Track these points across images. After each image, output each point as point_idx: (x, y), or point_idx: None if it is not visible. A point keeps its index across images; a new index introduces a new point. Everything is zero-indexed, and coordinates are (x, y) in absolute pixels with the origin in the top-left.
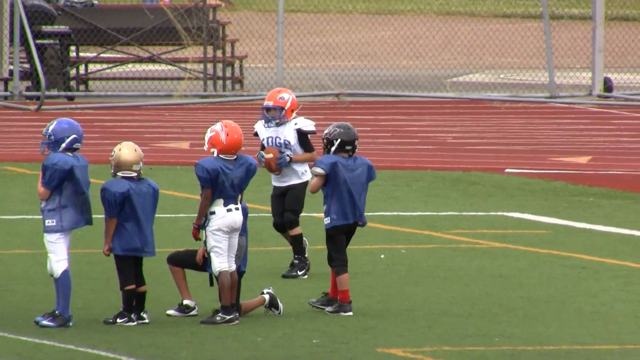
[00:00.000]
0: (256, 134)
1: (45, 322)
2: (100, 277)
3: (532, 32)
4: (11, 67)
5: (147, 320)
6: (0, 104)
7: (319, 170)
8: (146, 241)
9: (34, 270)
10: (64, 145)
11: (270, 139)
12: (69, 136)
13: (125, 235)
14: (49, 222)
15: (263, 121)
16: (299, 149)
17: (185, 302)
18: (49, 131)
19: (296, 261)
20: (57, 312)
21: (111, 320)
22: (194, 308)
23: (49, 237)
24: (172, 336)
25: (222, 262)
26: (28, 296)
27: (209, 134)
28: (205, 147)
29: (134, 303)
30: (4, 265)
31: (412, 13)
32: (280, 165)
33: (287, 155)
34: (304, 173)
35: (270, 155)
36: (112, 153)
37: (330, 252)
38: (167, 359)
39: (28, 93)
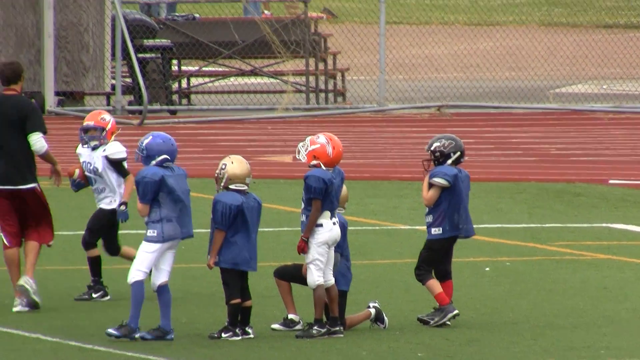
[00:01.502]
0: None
1: (110, 331)
2: (204, 292)
3: (635, 42)
4: (113, 81)
5: (251, 335)
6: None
7: (442, 181)
8: (253, 255)
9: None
10: (154, 162)
11: (85, 164)
12: (161, 155)
13: (234, 249)
14: (151, 233)
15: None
16: (109, 176)
17: (290, 316)
18: (143, 145)
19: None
20: (124, 322)
21: (216, 335)
22: (298, 322)
23: (146, 247)
24: (277, 351)
25: (320, 275)
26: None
27: (311, 147)
28: (303, 159)
29: (238, 317)
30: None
31: (514, 24)
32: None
33: (122, 207)
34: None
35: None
36: (223, 166)
37: (423, 261)
38: None
39: (130, 107)
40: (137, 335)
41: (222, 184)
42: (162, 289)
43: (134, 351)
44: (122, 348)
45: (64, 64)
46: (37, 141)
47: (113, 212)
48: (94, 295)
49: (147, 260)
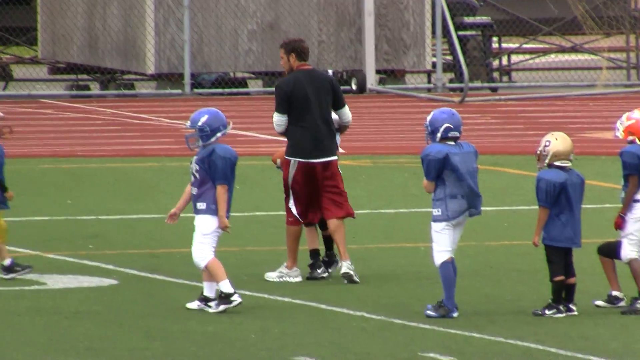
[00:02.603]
0: None
1: (428, 312)
2: (528, 269)
3: None
4: (434, 59)
5: (575, 312)
6: (423, 96)
7: None
8: (576, 232)
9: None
10: (438, 135)
11: None
12: (442, 125)
13: (558, 226)
14: (436, 212)
15: None
16: None
17: (614, 293)
18: (427, 121)
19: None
20: (441, 302)
21: (540, 312)
22: (622, 299)
23: (434, 227)
24: (601, 327)
25: (632, 250)
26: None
27: (627, 122)
28: (620, 135)
29: (562, 294)
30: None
31: None
32: None
33: None
34: None
35: None
36: (547, 143)
37: None
38: (597, 350)
39: (451, 85)
40: (454, 315)
41: (546, 161)
42: (444, 266)
43: (457, 329)
44: (445, 326)
45: (385, 42)
46: (350, 114)
47: None
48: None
49: (442, 239)
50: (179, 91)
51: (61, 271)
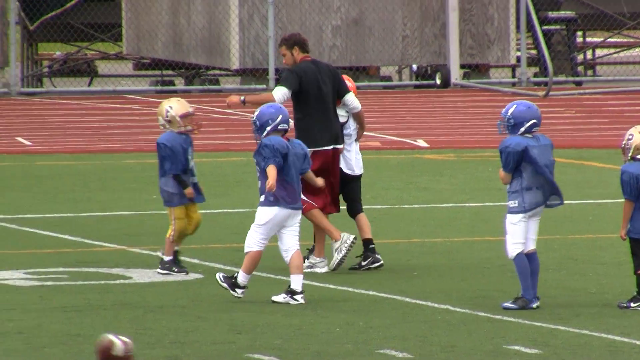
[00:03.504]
0: None
1: (506, 304)
2: (612, 262)
3: None
4: (518, 53)
5: None
6: (507, 90)
7: None
8: None
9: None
10: (522, 129)
11: None
12: (529, 121)
13: None
14: (512, 204)
15: None
16: None
17: None
18: (509, 114)
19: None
20: (520, 294)
21: (625, 305)
22: None
23: (510, 218)
24: None
25: None
26: (500, 281)
27: None
28: None
29: None
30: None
31: None
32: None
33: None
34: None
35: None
36: (630, 137)
37: None
38: None
39: (535, 79)
40: (534, 305)
41: (630, 154)
42: (530, 258)
43: (542, 322)
44: (530, 318)
45: (469, 36)
46: (357, 100)
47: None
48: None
49: (517, 231)
50: (264, 86)
51: (147, 265)
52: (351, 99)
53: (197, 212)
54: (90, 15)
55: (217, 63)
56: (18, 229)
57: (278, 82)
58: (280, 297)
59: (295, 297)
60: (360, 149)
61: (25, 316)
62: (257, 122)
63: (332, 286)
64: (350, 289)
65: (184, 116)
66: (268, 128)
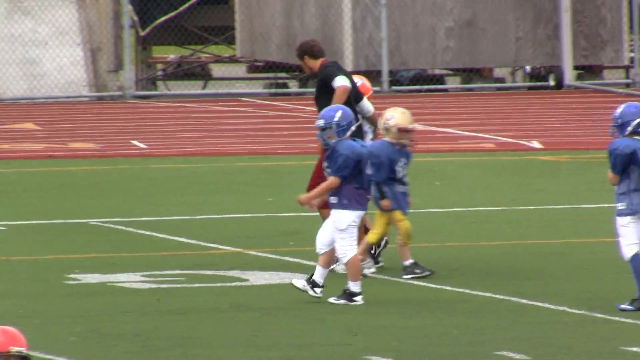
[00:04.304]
0: None
1: (622, 306)
2: None
3: None
4: (632, 54)
5: None
6: (621, 92)
7: None
8: None
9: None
10: (630, 129)
11: None
12: (635, 120)
13: None
14: (620, 206)
15: None
16: None
17: None
18: (617, 114)
19: None
20: (637, 296)
21: None
22: None
23: (620, 221)
24: None
25: None
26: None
27: None
28: None
29: None
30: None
31: None
32: None
33: None
34: None
35: None
36: None
37: None
38: None
39: None
40: None
41: None
42: (634, 259)
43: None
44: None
45: (582, 37)
46: (370, 104)
47: None
48: None
49: (629, 233)
50: (377, 88)
51: (263, 268)
52: (365, 103)
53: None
54: (203, 18)
55: None
56: (134, 232)
57: (330, 79)
58: (301, 284)
59: (315, 289)
60: (474, 151)
61: (142, 319)
62: (343, 122)
63: (448, 288)
64: (467, 291)
65: (403, 130)
66: (349, 131)
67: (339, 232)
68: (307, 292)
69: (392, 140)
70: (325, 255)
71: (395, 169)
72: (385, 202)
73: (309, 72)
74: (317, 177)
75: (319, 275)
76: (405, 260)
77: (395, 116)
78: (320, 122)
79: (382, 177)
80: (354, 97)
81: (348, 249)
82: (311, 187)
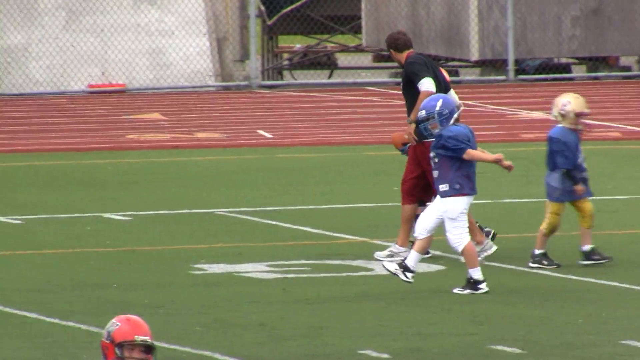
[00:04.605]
0: None
1: None
2: None
3: None
4: None
5: None
6: None
7: None
8: None
9: None
10: None
11: None
12: None
13: None
14: None
15: None
16: None
17: None
18: None
19: None
20: None
21: None
22: None
23: None
24: None
25: None
26: None
27: None
28: None
29: None
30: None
31: None
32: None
33: None
34: None
35: None
36: None
37: None
38: None
39: None
40: None
41: None
42: None
43: None
44: None
45: None
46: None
47: None
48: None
49: None
50: (503, 77)
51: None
52: (452, 94)
53: (586, 202)
54: (330, 8)
55: (456, 54)
56: (259, 222)
57: (415, 77)
58: (393, 267)
59: (407, 274)
60: (600, 140)
61: (268, 308)
62: (445, 111)
63: (574, 277)
64: (592, 280)
65: (579, 115)
66: (452, 118)
67: (451, 221)
68: (399, 276)
69: (570, 126)
70: (423, 240)
71: (577, 154)
72: (580, 187)
73: (399, 63)
74: (410, 174)
75: (412, 260)
76: (537, 249)
77: (572, 102)
78: (422, 113)
79: (573, 163)
80: (443, 89)
81: (461, 237)
82: (404, 186)
